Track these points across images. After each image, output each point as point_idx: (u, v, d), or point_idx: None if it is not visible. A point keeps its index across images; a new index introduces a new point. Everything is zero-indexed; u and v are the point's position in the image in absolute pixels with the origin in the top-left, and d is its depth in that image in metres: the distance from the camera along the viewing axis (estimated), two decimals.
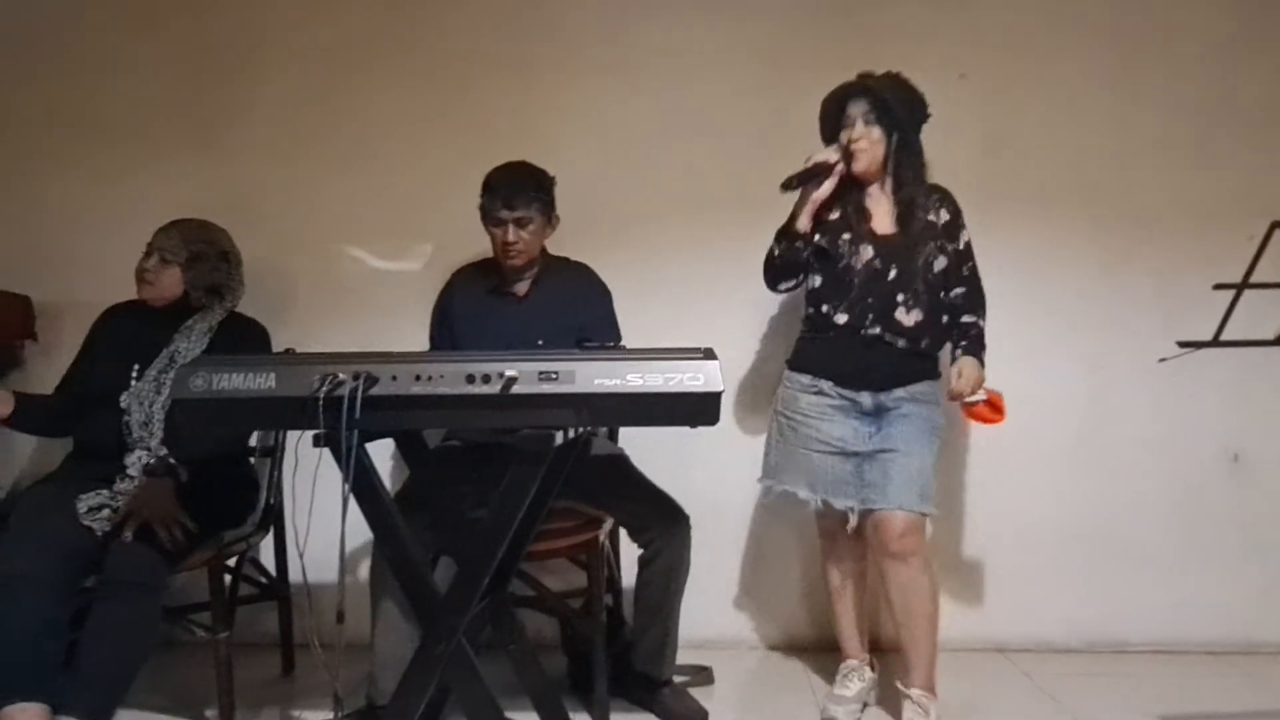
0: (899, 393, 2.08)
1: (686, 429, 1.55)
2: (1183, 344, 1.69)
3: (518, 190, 2.14)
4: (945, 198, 2.14)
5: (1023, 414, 2.56)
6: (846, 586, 2.23)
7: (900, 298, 2.06)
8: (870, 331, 2.06)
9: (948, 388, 2.11)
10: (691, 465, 2.52)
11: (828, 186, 2.07)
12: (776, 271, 2.17)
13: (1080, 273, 2.62)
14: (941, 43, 2.61)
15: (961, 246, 2.13)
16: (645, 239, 2.65)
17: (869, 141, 2.07)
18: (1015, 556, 2.62)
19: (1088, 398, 2.62)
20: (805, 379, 2.14)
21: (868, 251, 2.07)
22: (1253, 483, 2.60)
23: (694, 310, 2.64)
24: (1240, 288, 1.64)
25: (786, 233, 2.12)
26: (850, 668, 2.22)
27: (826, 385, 2.10)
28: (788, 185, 2.06)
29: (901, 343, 2.07)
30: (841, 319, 2.09)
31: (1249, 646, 2.56)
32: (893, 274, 2.06)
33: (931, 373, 2.13)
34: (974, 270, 2.16)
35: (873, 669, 2.26)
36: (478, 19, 2.71)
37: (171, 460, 1.98)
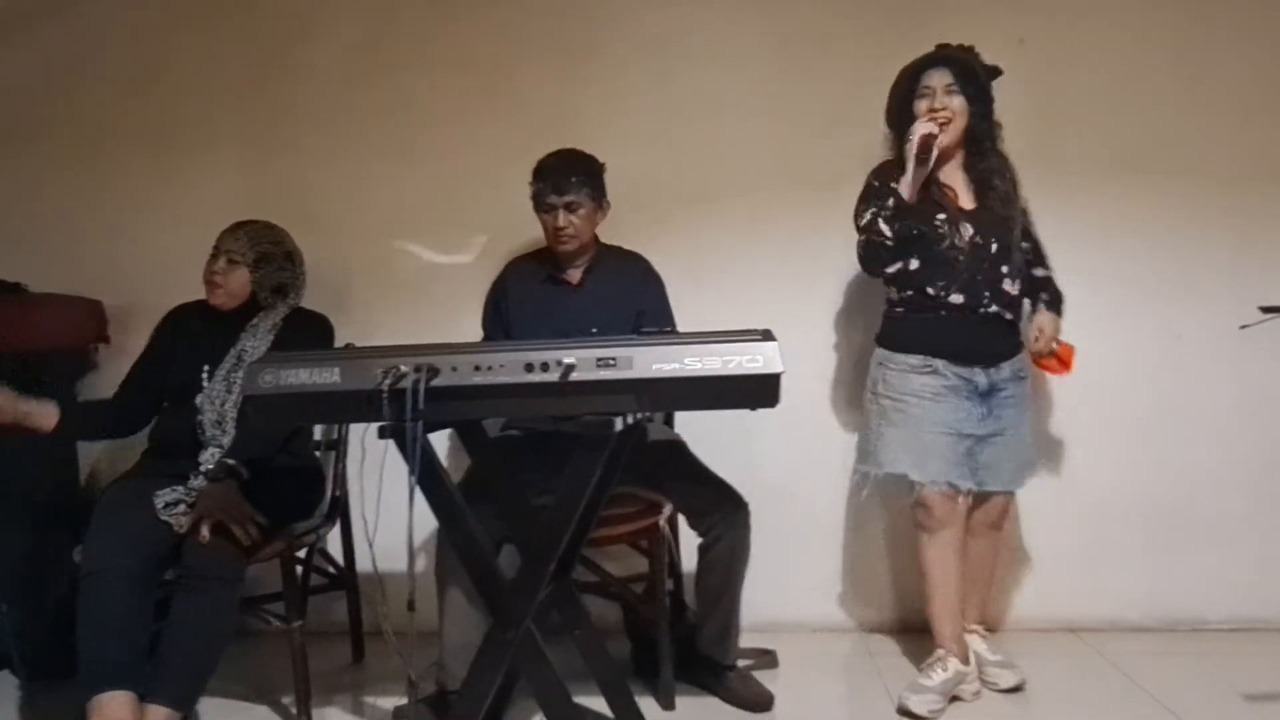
0: (1005, 369, 2.12)
1: (747, 411, 1.54)
2: (1266, 309, 1.63)
3: (567, 175, 2.15)
4: (1008, 165, 2.16)
5: (1096, 386, 2.53)
6: (949, 570, 2.12)
7: (1004, 269, 2.09)
8: (988, 309, 2.09)
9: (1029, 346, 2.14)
10: (751, 448, 2.51)
11: (930, 161, 2.02)
12: (889, 254, 2.08)
13: (1152, 239, 2.53)
14: (997, 9, 2.53)
15: (1025, 206, 2.18)
16: (696, 224, 2.63)
17: (953, 112, 2.06)
18: (1088, 533, 2.56)
19: (1163, 368, 2.54)
20: (915, 359, 2.10)
21: (968, 229, 2.07)
22: None
23: (748, 294, 2.61)
24: None
25: (904, 209, 2.03)
26: (937, 657, 2.12)
27: (941, 364, 2.08)
28: (923, 158, 1.98)
29: (1008, 314, 2.12)
30: (957, 299, 2.07)
31: None
32: (994, 248, 2.08)
33: (1020, 343, 2.17)
34: (1033, 227, 2.21)
35: (966, 661, 2.14)
36: (523, 7, 2.71)
37: (230, 462, 2.02)
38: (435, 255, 2.75)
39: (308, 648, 2.12)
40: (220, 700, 2.23)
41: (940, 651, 2.13)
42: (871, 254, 2.10)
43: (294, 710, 2.11)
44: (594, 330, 2.09)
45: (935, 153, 2.01)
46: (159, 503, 1.97)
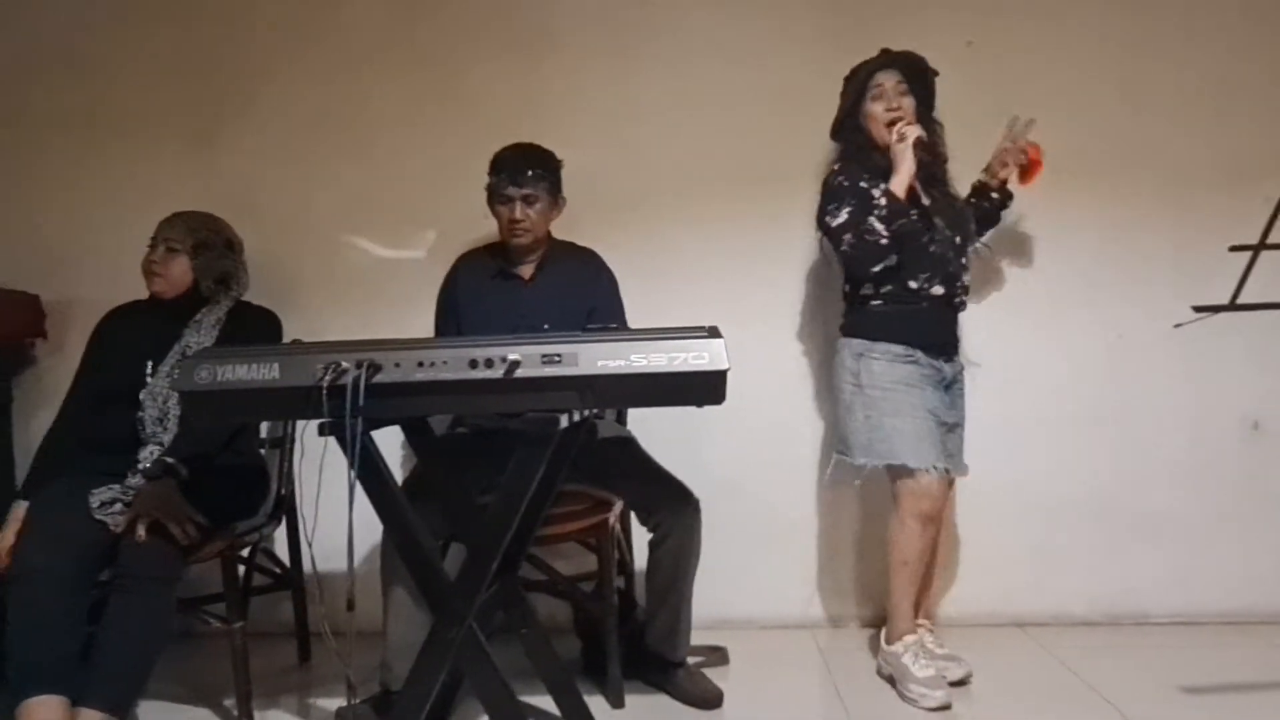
0: (958, 359, 2.24)
1: (694, 409, 1.53)
2: (1198, 309, 1.66)
3: (525, 168, 2.14)
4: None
5: (1041, 384, 2.58)
6: (924, 558, 2.17)
7: (963, 262, 2.20)
8: (961, 299, 2.21)
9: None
10: (703, 445, 2.52)
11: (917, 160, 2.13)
12: (882, 252, 2.11)
13: (1096, 239, 2.57)
14: (946, 10, 2.57)
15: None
16: (650, 221, 2.63)
17: (905, 111, 2.13)
18: (1033, 530, 2.60)
19: (1106, 366, 2.58)
20: (898, 349, 2.14)
21: (940, 223, 2.15)
22: (1273, 452, 2.56)
23: (701, 291, 2.61)
24: (1257, 249, 1.60)
25: (900, 209, 2.10)
26: (920, 639, 2.16)
27: (920, 355, 2.15)
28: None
29: (966, 304, 2.24)
30: (938, 291, 2.16)
31: (1271, 616, 2.53)
32: (959, 240, 2.18)
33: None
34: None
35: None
36: (477, 4, 2.68)
37: (169, 460, 1.98)
38: (386, 251, 2.71)
39: (253, 649, 2.09)
40: (160, 703, 2.18)
41: (910, 638, 2.14)
42: (865, 253, 2.12)
43: (235, 712, 2.08)
44: (545, 326, 2.09)
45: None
46: (94, 502, 1.92)
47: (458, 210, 2.49)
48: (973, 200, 2.33)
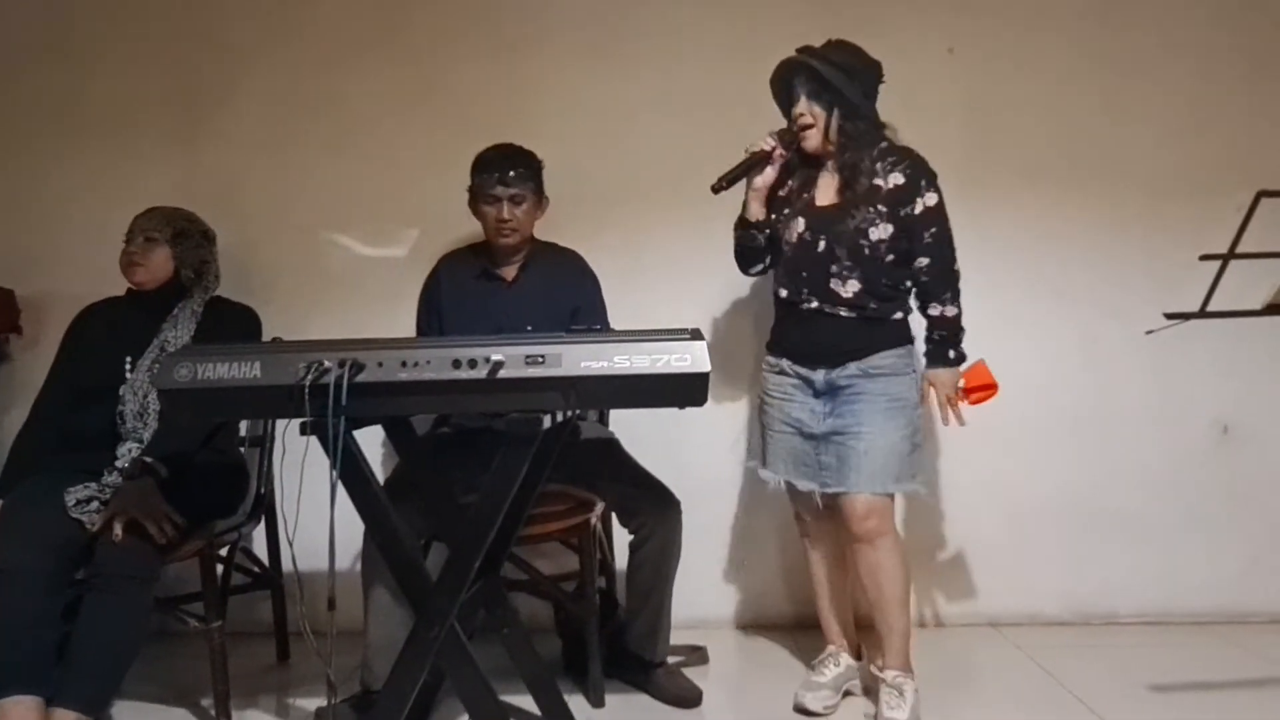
0: (852, 369, 2.00)
1: (676, 410, 1.55)
2: (1170, 315, 1.70)
3: (511, 167, 2.15)
4: (906, 161, 2.01)
5: (1017, 388, 2.57)
6: (821, 569, 2.20)
7: (833, 269, 2.00)
8: (808, 305, 2.03)
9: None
10: (685, 448, 2.53)
11: (770, 173, 2.06)
12: (739, 258, 2.18)
13: (1071, 246, 2.61)
14: (928, 17, 2.60)
15: (918, 211, 1.99)
16: (632, 221, 2.64)
17: (812, 117, 2.03)
18: (1008, 531, 2.63)
19: (1080, 372, 2.63)
20: (772, 359, 2.14)
21: (799, 224, 2.05)
22: (1242, 455, 2.61)
23: (684, 292, 2.63)
24: (1226, 258, 1.64)
25: (741, 221, 2.13)
26: (828, 654, 2.18)
27: (786, 364, 2.09)
28: (717, 187, 2.03)
29: (844, 312, 2.01)
30: (784, 293, 2.09)
31: (1237, 616, 2.59)
32: (821, 245, 2.01)
33: (893, 340, 2.02)
34: (940, 236, 2.01)
35: (859, 657, 2.22)
36: (459, 2, 2.68)
37: (147, 460, 1.97)
38: (367, 249, 2.71)
39: (232, 649, 2.08)
40: (137, 704, 2.17)
41: (831, 648, 2.18)
42: (734, 256, 2.19)
43: (213, 712, 2.07)
44: (529, 327, 2.10)
45: (773, 165, 2.05)
46: (70, 500, 1.91)
47: (440, 209, 2.49)
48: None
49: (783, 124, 2.10)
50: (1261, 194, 1.58)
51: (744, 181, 2.07)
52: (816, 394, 2.05)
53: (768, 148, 2.05)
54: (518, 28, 2.67)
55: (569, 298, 2.23)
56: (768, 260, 2.16)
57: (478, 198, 2.18)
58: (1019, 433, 2.61)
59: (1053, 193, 2.60)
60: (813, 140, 2.04)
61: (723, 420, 2.61)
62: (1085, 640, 2.52)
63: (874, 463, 1.97)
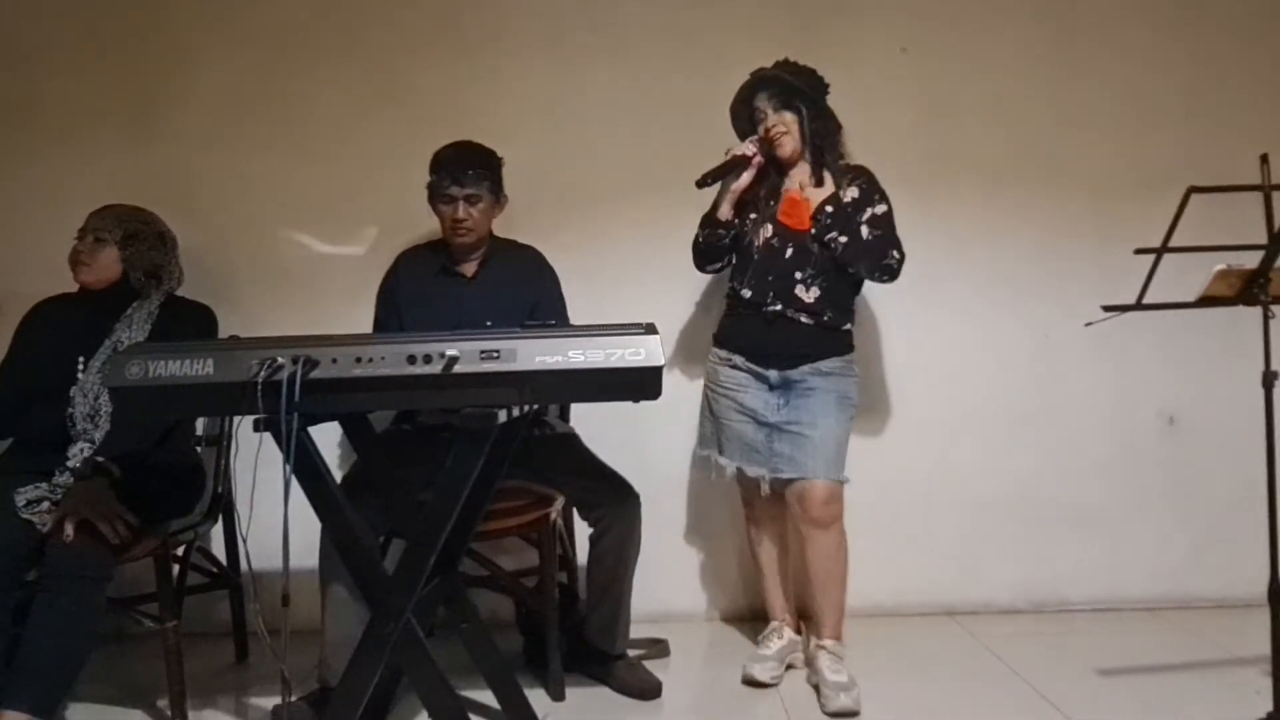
0: (805, 368, 2.14)
1: (634, 405, 1.56)
2: (1107, 308, 1.75)
3: (467, 167, 2.15)
4: (862, 178, 2.16)
5: (970, 381, 2.66)
6: (766, 550, 2.33)
7: (798, 275, 2.13)
8: (772, 308, 2.14)
9: None
10: (645, 442, 2.55)
11: (746, 177, 2.16)
12: (700, 255, 2.27)
13: (1022, 241, 2.67)
14: (881, 17, 2.64)
15: (867, 216, 2.13)
16: (590, 219, 2.65)
17: (785, 125, 2.14)
18: (961, 521, 2.68)
19: (1031, 364, 2.68)
20: (723, 353, 2.24)
21: (767, 230, 2.16)
22: (1187, 446, 2.68)
23: (642, 289, 2.65)
24: (1160, 252, 1.69)
25: (709, 220, 2.21)
26: (773, 628, 2.30)
27: (739, 360, 2.20)
28: (702, 182, 2.14)
29: (804, 318, 2.13)
30: (747, 294, 2.17)
31: (1184, 602, 2.66)
32: (789, 252, 2.13)
33: (842, 348, 2.19)
34: (886, 236, 2.11)
35: (799, 631, 2.34)
36: (418, 1, 2.67)
37: (99, 460, 1.95)
38: (326, 246, 2.69)
39: (190, 649, 2.07)
40: (91, 705, 2.15)
41: (774, 623, 2.31)
42: (693, 253, 2.27)
43: (169, 712, 2.05)
44: (488, 323, 2.10)
45: (750, 170, 2.14)
46: (20, 500, 1.89)
47: (398, 206, 2.48)
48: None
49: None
50: (1191, 190, 1.64)
51: (718, 184, 2.15)
52: (771, 388, 2.18)
53: (749, 153, 2.14)
54: (477, 26, 2.67)
55: (528, 294, 2.24)
56: (726, 260, 2.25)
57: (434, 196, 2.19)
58: (971, 424, 2.67)
59: (1003, 189, 2.66)
60: (787, 146, 2.15)
61: (682, 414, 2.62)
62: (1038, 627, 2.58)
63: (829, 451, 2.12)
